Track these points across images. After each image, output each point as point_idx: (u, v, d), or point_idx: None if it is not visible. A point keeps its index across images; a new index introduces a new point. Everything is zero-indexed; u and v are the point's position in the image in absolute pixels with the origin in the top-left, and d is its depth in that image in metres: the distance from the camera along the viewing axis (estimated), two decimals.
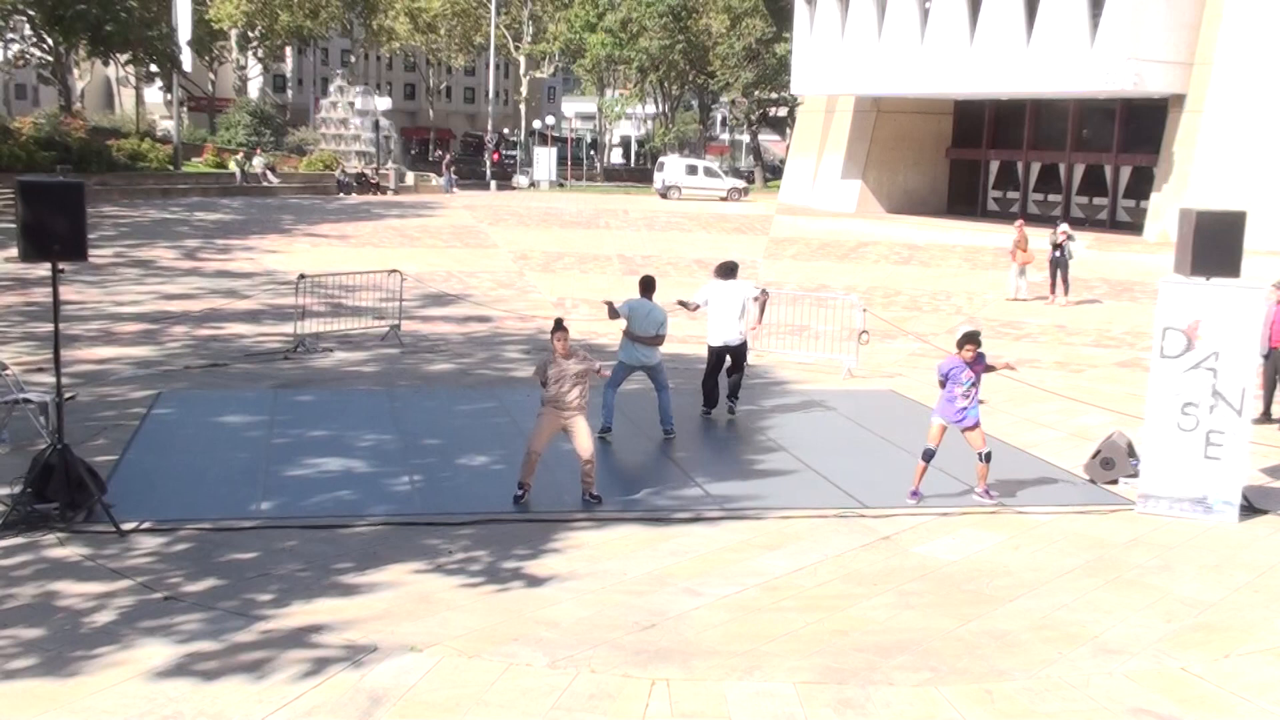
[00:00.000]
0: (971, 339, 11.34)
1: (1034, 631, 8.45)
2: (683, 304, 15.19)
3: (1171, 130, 34.22)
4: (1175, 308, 11.21)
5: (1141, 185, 37.55)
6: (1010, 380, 16.57)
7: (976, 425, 11.37)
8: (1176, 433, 11.21)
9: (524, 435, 13.46)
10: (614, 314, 13.64)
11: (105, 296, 22.74)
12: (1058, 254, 25.87)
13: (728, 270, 14.98)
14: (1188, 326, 11.14)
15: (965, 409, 11.27)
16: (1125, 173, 39.59)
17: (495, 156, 69.90)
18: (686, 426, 14.33)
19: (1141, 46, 32.69)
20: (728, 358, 14.91)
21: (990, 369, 11.51)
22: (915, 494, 11.48)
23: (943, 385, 11.39)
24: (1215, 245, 11.05)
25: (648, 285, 13.97)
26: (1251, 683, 7.63)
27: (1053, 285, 26.03)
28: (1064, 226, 26.46)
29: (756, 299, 15.26)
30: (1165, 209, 33.08)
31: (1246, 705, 7.30)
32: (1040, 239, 27.99)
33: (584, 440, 11.07)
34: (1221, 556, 10.24)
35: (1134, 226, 36.89)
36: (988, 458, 11.46)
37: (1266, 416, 15.30)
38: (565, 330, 11.07)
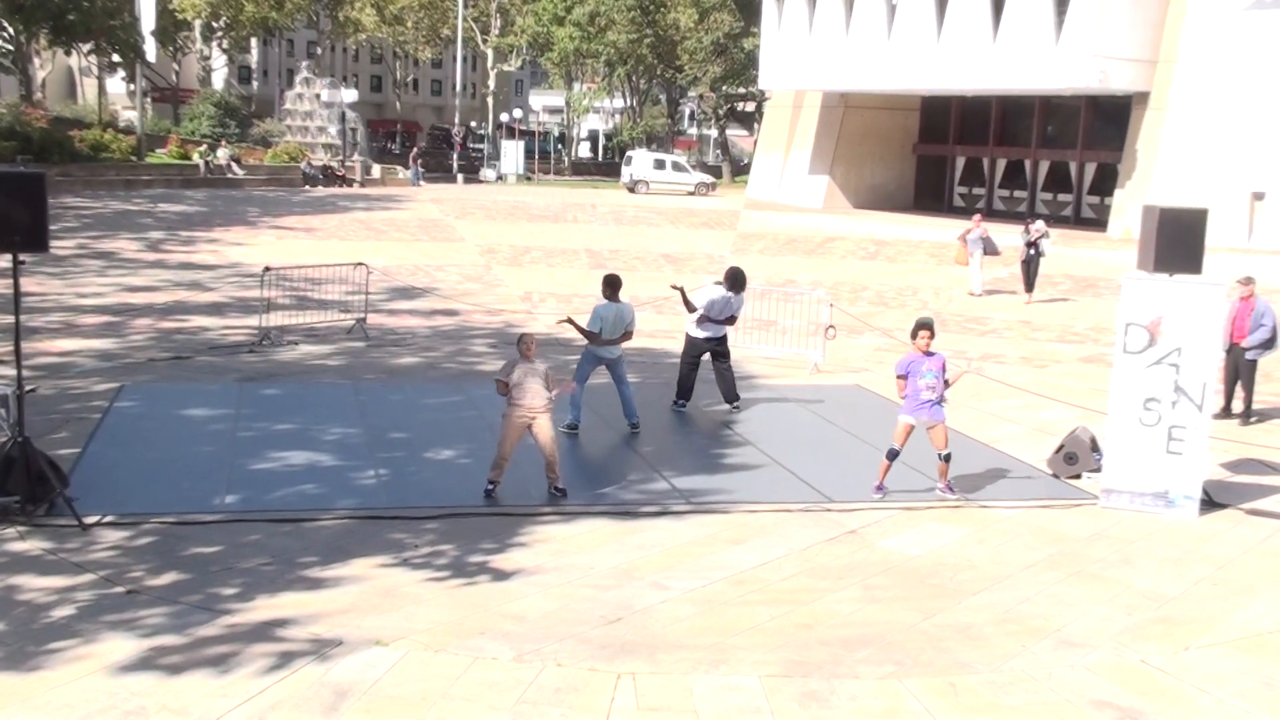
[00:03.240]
0: (925, 325, 11.36)
1: (997, 625, 8.51)
2: (685, 301, 14.92)
3: (1135, 128, 34.46)
4: (1138, 304, 11.31)
5: (1106, 182, 37.78)
6: (975, 375, 16.68)
7: (941, 423, 11.42)
8: (1139, 428, 11.31)
9: (491, 429, 13.45)
10: (591, 336, 13.47)
11: (67, 288, 22.54)
12: (1032, 252, 25.31)
13: (739, 282, 14.85)
14: (1150, 322, 11.23)
15: (931, 403, 11.30)
16: (1090, 169, 39.81)
17: (460, 145, 69.61)
18: (653, 420, 14.34)
19: (1106, 44, 32.89)
20: (707, 353, 14.88)
21: (947, 384, 11.51)
22: (880, 488, 11.53)
23: (902, 380, 11.40)
24: (1178, 242, 11.16)
25: (614, 284, 13.82)
26: (1210, 674, 7.71)
27: (1027, 282, 25.58)
28: (1040, 224, 25.93)
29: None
30: (1129, 206, 33.30)
31: (1205, 697, 7.38)
32: (1005, 233, 28.10)
33: (547, 437, 11.11)
34: (1182, 550, 10.34)
35: (1098, 223, 37.13)
36: (947, 459, 11.50)
37: (1227, 412, 15.46)
38: (532, 335, 11.41)
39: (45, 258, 20.67)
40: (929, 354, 11.30)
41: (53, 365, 15.77)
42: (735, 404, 14.99)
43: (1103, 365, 17.64)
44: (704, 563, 9.61)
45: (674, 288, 15.15)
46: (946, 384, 11.44)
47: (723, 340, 14.98)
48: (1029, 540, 10.50)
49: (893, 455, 11.45)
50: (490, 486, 11.10)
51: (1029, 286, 25.63)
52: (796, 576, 9.41)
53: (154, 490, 10.84)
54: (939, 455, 11.48)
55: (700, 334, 14.76)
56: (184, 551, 9.31)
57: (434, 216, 37.91)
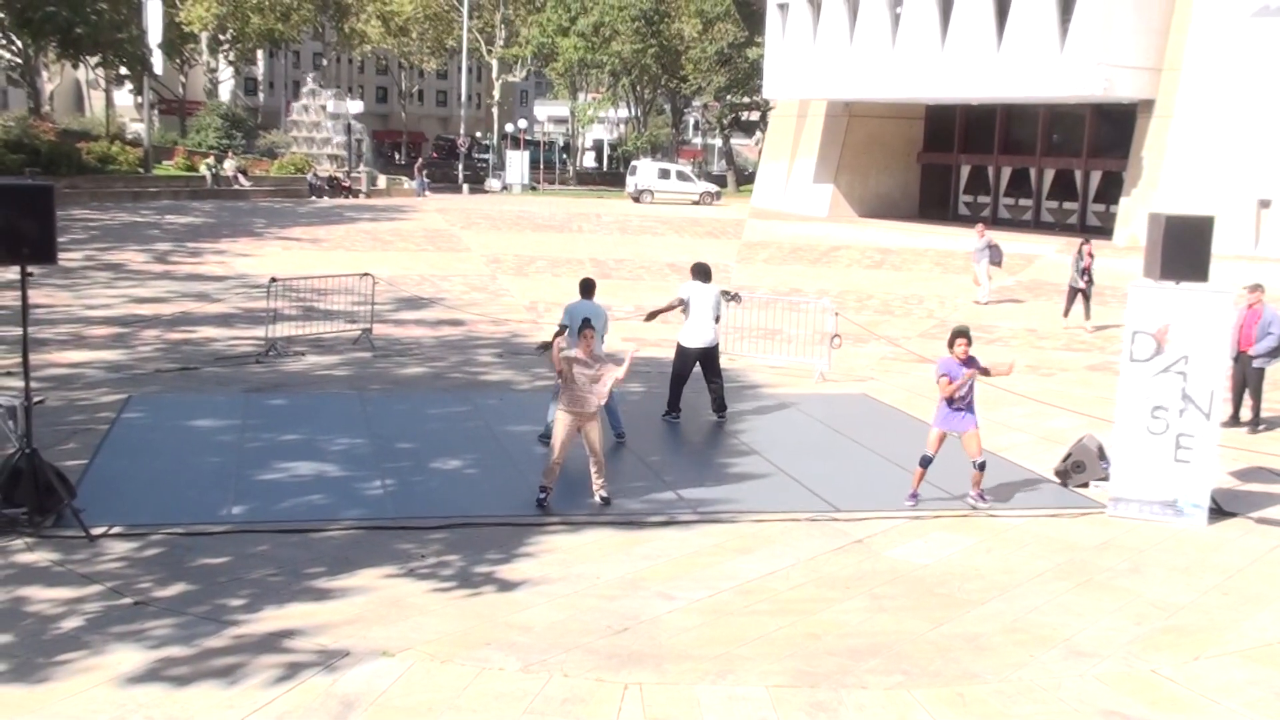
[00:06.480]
0: (962, 334, 11.31)
1: (1005, 634, 8.49)
2: (652, 315, 15.11)
3: (1140, 135, 34.44)
4: (1145, 312, 11.29)
5: (1111, 190, 37.77)
6: (982, 383, 16.66)
7: (974, 430, 11.38)
8: (1146, 436, 11.29)
9: (496, 438, 13.50)
10: (561, 331, 13.07)
11: (75, 300, 22.57)
12: (1086, 278, 22.87)
13: (704, 272, 14.95)
14: (1157, 330, 11.22)
15: (962, 412, 11.28)
16: (1095, 177, 39.80)
17: (435, 155, 69.30)
18: (658, 430, 14.35)
19: (1111, 52, 32.88)
20: (697, 364, 14.85)
21: (985, 372, 11.45)
22: (914, 496, 11.54)
23: (946, 379, 11.26)
24: (1184, 249, 11.14)
25: (587, 286, 13.75)
26: (1220, 684, 7.69)
27: (1070, 308, 23.35)
28: (1088, 247, 23.23)
29: (729, 299, 15.16)
30: (1134, 213, 33.27)
31: (1216, 707, 7.36)
32: (1013, 242, 28.00)
33: (598, 438, 11.22)
34: (1191, 559, 10.31)
35: (1104, 231, 37.08)
36: (982, 467, 11.46)
37: (1235, 420, 15.41)
38: (593, 329, 11.26)
39: (53, 269, 20.78)
40: (966, 361, 11.27)
41: (61, 377, 15.79)
42: (721, 415, 14.97)
43: (1109, 373, 17.60)
44: (711, 573, 9.60)
45: (648, 317, 15.48)
46: (984, 371, 11.39)
47: (713, 351, 14.88)
48: (1037, 549, 10.48)
49: (925, 462, 11.44)
50: (542, 495, 11.04)
51: (1083, 312, 23.11)
52: (803, 586, 9.40)
53: (161, 501, 10.85)
54: (973, 464, 11.44)
55: (689, 343, 14.70)
56: (191, 562, 9.31)
57: (439, 227, 37.96)
